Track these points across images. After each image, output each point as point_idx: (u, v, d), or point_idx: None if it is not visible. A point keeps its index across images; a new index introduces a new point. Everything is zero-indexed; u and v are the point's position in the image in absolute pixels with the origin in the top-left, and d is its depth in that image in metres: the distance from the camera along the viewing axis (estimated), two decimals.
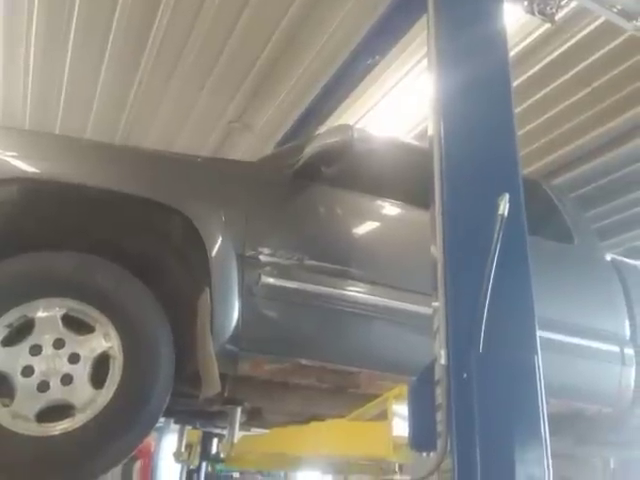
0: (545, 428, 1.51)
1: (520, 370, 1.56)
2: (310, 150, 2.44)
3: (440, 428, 1.60)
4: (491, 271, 1.65)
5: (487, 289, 1.63)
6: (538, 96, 4.49)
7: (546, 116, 4.67)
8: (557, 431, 2.80)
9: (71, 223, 2.17)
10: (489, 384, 1.53)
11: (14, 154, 2.07)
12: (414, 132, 4.80)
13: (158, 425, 4.52)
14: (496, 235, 1.70)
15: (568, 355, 2.74)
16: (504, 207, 1.73)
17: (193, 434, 4.05)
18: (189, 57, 4.54)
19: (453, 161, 1.88)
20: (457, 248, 1.76)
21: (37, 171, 2.06)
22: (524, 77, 4.31)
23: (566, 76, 4.32)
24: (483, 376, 1.54)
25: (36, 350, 1.86)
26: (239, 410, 2.59)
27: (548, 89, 4.44)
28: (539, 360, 1.59)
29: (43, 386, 1.83)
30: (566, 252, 3.23)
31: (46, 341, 1.87)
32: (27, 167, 2.05)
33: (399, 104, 4.65)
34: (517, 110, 4.49)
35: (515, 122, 2.01)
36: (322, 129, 3.88)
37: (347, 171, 2.58)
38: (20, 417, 1.79)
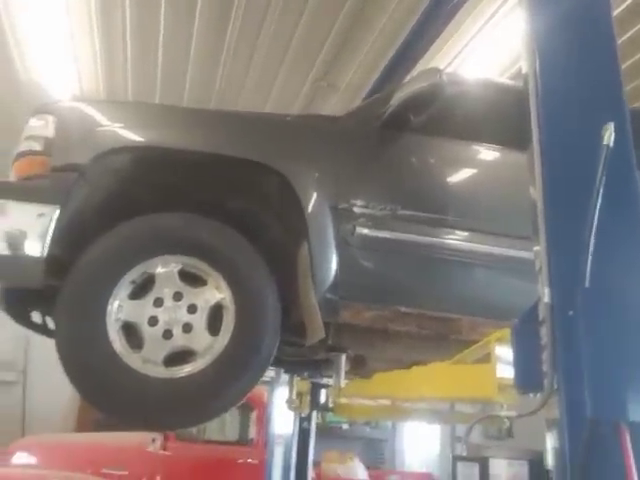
0: None
1: (630, 305, 1.49)
2: (397, 99, 2.41)
3: (546, 368, 1.59)
4: (597, 205, 1.57)
5: (592, 224, 1.56)
6: None
7: None
8: None
9: (178, 186, 2.32)
10: (596, 320, 1.48)
11: (121, 125, 2.24)
12: (508, 72, 4.56)
13: (269, 377, 4.84)
14: (601, 167, 1.61)
15: None
16: (609, 137, 1.64)
17: (303, 384, 4.26)
18: (272, 20, 4.59)
19: (551, 97, 1.79)
20: (558, 186, 1.69)
21: (143, 139, 2.22)
22: (630, 1, 3.93)
23: None
24: (590, 312, 1.49)
25: (159, 302, 2.06)
26: (343, 357, 2.70)
27: None
28: None
29: (167, 334, 2.03)
30: None
31: (166, 294, 2.06)
32: (134, 136, 2.22)
33: (489, 45, 4.42)
34: (623, 38, 4.15)
35: (617, 49, 1.86)
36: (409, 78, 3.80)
37: (437, 117, 2.53)
38: (150, 362, 2.00)
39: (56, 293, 2.05)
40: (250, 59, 5.12)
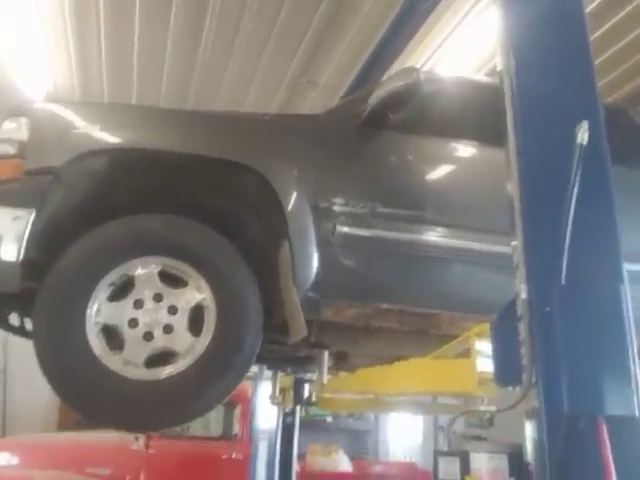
0: (634, 359, 1.48)
1: (605, 300, 1.53)
2: (376, 97, 2.42)
3: (524, 362, 1.62)
4: (571, 202, 1.61)
5: (568, 220, 1.59)
6: (618, 18, 4.15)
7: (628, 39, 4.32)
8: None
9: (156, 188, 2.30)
10: (572, 316, 1.52)
11: (97, 127, 2.21)
12: (484, 69, 4.60)
13: (253, 373, 4.85)
14: (575, 165, 1.64)
15: None
16: (583, 135, 1.67)
17: (286, 380, 4.28)
18: (249, 18, 4.56)
19: (525, 94, 1.82)
20: (534, 182, 1.72)
21: (119, 141, 2.20)
22: None
23: None
24: (566, 308, 1.52)
25: (139, 304, 2.05)
26: (326, 354, 2.72)
27: (629, 8, 4.08)
28: (626, 290, 1.55)
29: (148, 335, 2.02)
30: None
31: (147, 295, 2.05)
32: (110, 138, 2.20)
33: (465, 42, 4.45)
34: (596, 34, 4.21)
35: (590, 46, 1.89)
36: (387, 76, 3.82)
37: (415, 115, 2.55)
38: (131, 364, 1.99)
39: (34, 295, 2.03)
40: (228, 57, 5.08)
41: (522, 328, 1.63)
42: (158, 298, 2.06)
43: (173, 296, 2.07)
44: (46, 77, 5.59)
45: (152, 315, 2.03)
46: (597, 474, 1.37)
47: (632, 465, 1.40)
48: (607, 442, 1.38)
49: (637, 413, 1.43)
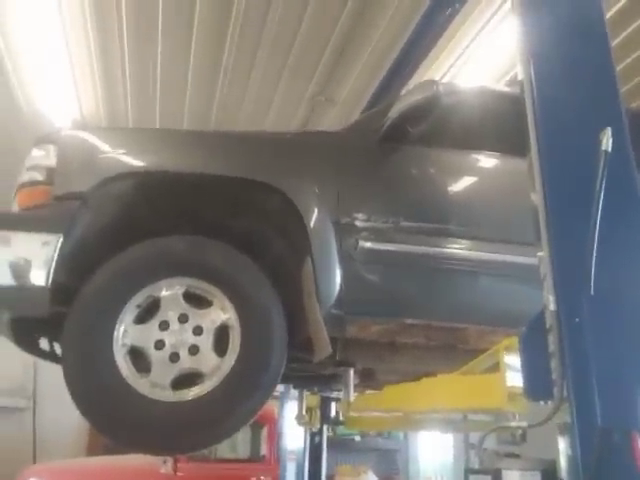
0: None
1: (635, 310, 1.48)
2: (395, 111, 2.43)
3: (555, 375, 1.58)
4: (598, 210, 1.57)
5: (595, 229, 1.56)
6: None
7: None
8: None
9: (181, 209, 2.33)
10: (603, 327, 1.48)
11: (122, 151, 2.26)
12: (505, 78, 4.58)
13: (279, 392, 4.83)
14: (600, 172, 1.61)
15: None
16: (607, 142, 1.64)
17: (312, 399, 4.25)
18: (268, 39, 4.65)
19: (547, 103, 1.80)
20: (559, 192, 1.69)
21: (144, 165, 2.24)
22: (624, 1, 3.95)
23: None
24: (596, 319, 1.48)
25: (164, 325, 2.06)
26: (352, 371, 2.69)
27: None
28: None
29: (174, 357, 2.03)
30: None
31: (172, 317, 2.07)
32: (135, 162, 2.24)
33: (485, 52, 4.44)
34: (620, 38, 4.16)
35: (611, 52, 1.87)
36: (406, 90, 3.82)
37: (436, 128, 2.54)
38: (158, 386, 1.99)
39: (63, 319, 2.06)
40: (248, 78, 5.16)
41: (551, 340, 1.59)
42: (183, 319, 2.07)
43: (198, 316, 2.08)
44: (73, 105, 5.75)
45: (178, 336, 2.04)
46: None
47: None
48: None
49: None
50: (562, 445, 1.53)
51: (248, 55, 4.85)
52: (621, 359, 1.45)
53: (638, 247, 1.60)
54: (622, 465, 1.38)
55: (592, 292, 1.51)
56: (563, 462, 1.52)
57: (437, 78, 4.50)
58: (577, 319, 1.51)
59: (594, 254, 1.54)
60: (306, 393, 4.21)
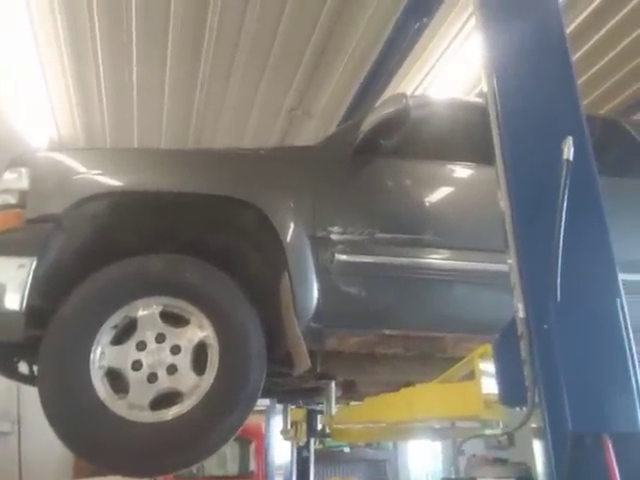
0: (635, 370, 1.47)
1: (602, 315, 1.52)
2: (367, 125, 2.46)
3: (527, 381, 1.61)
4: (561, 218, 1.61)
5: (559, 237, 1.60)
6: (607, 27, 4.20)
7: (619, 48, 4.37)
8: None
9: (157, 228, 2.33)
10: (571, 332, 1.51)
11: (100, 172, 2.27)
12: (476, 91, 4.66)
13: (265, 407, 4.81)
14: (563, 181, 1.66)
15: None
16: (568, 151, 1.69)
17: (298, 412, 4.23)
18: (242, 55, 4.69)
19: (510, 114, 1.85)
20: (524, 201, 1.73)
21: (118, 185, 2.25)
22: (589, 10, 4.06)
23: (634, 1, 4.01)
24: (563, 325, 1.52)
25: (142, 346, 2.05)
26: (333, 384, 2.70)
27: (617, 18, 4.14)
28: (622, 302, 1.54)
29: (152, 377, 2.01)
30: None
31: (149, 337, 2.06)
32: (109, 182, 2.24)
33: (455, 65, 4.52)
34: (585, 47, 4.27)
35: (572, 65, 1.93)
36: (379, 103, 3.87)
37: (408, 140, 2.59)
38: (136, 407, 1.98)
39: (39, 342, 2.04)
40: (225, 92, 5.19)
41: (523, 347, 1.62)
42: (161, 339, 2.06)
43: (175, 336, 2.08)
44: (49, 126, 5.73)
45: (155, 356, 2.04)
46: None
47: None
48: (613, 459, 1.36)
49: None
50: (538, 449, 1.56)
51: (224, 70, 4.88)
52: (589, 364, 1.48)
53: (602, 252, 1.64)
54: (593, 469, 1.41)
55: (559, 299, 1.54)
56: (539, 466, 1.55)
57: (410, 91, 4.57)
58: (545, 326, 1.54)
59: (559, 261, 1.57)
60: (291, 407, 4.20)
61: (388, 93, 4.49)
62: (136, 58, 4.78)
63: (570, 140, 1.70)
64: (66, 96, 5.31)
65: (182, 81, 5.06)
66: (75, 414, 1.93)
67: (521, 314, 1.62)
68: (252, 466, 5.69)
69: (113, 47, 4.67)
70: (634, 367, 1.48)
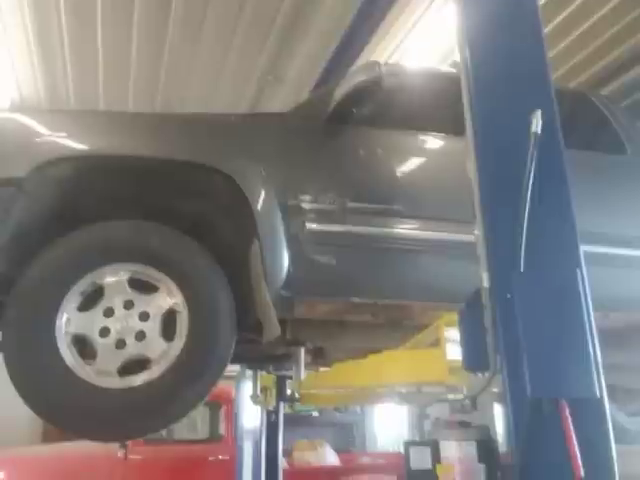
0: (593, 339, 1.53)
1: (562, 285, 1.56)
2: (339, 93, 2.44)
3: (490, 349, 1.66)
4: (527, 190, 1.65)
5: (524, 208, 1.63)
6: (578, 2, 4.21)
7: (588, 23, 4.38)
8: (629, 344, 2.81)
9: (124, 193, 2.29)
10: (532, 302, 1.56)
11: (63, 134, 2.20)
12: (450, 60, 4.64)
13: (235, 373, 4.85)
14: (530, 153, 1.68)
15: (626, 267, 2.70)
16: (537, 124, 1.71)
17: (267, 378, 4.29)
18: (212, 18, 4.54)
19: (481, 85, 1.86)
20: (491, 172, 1.76)
21: (84, 148, 2.19)
22: None
23: None
24: (525, 294, 1.56)
25: (109, 312, 2.04)
26: (302, 350, 2.74)
27: None
28: (583, 273, 1.59)
29: (120, 344, 2.01)
30: (619, 163, 3.12)
31: (117, 303, 2.05)
32: (74, 145, 2.18)
33: (430, 33, 4.47)
34: (556, 21, 4.28)
35: (543, 37, 1.93)
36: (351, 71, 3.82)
37: (380, 109, 2.58)
38: (104, 373, 1.98)
39: (2, 308, 2.01)
40: (194, 56, 5.04)
41: (486, 316, 1.67)
42: (129, 305, 2.05)
43: (144, 302, 2.07)
44: (10, 85, 5.49)
45: (123, 323, 2.03)
46: (561, 455, 1.41)
47: (594, 445, 1.45)
48: (570, 424, 1.42)
49: (598, 395, 1.47)
50: (499, 413, 1.62)
51: (193, 33, 4.73)
52: (549, 332, 1.54)
53: (565, 225, 1.68)
54: (551, 433, 1.48)
55: (522, 269, 1.59)
56: (500, 429, 1.62)
57: (383, 59, 4.52)
58: (508, 295, 1.59)
59: (524, 232, 1.61)
60: (261, 373, 4.25)
61: (361, 60, 4.43)
62: (101, 18, 4.58)
63: (539, 113, 1.72)
64: (27, 55, 5.08)
65: (149, 43, 4.88)
66: (42, 380, 1.92)
67: (485, 283, 1.67)
68: (222, 430, 5.77)
69: (77, 6, 4.47)
70: (591, 335, 1.53)
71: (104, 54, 5.02)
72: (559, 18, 4.22)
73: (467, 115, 1.86)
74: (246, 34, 4.69)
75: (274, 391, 4.26)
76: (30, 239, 2.11)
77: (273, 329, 2.17)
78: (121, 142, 2.28)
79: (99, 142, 2.24)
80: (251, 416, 4.92)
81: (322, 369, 3.51)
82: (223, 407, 5.74)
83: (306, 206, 2.33)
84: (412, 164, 2.77)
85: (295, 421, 6.92)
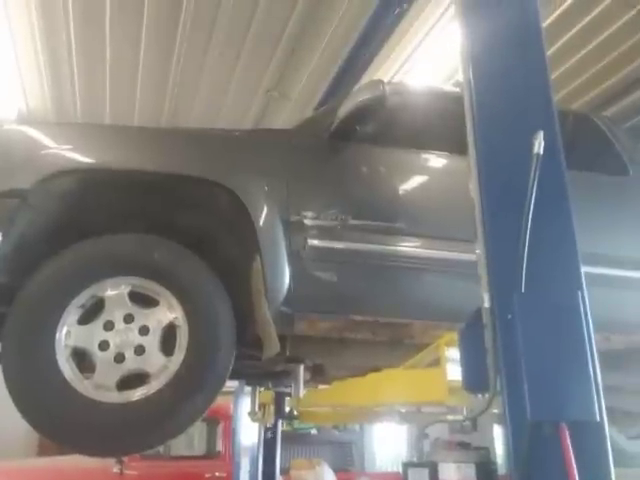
0: (594, 363, 1.51)
1: (563, 306, 1.56)
2: (343, 111, 2.46)
3: (490, 370, 1.65)
4: (529, 211, 1.65)
5: (526, 229, 1.63)
6: (580, 25, 4.26)
7: (591, 46, 4.43)
8: (628, 366, 2.79)
9: (127, 207, 2.30)
10: (533, 323, 1.55)
11: (69, 147, 2.21)
12: (453, 79, 4.68)
13: (233, 389, 4.82)
14: (532, 174, 1.69)
15: (627, 290, 2.69)
16: (539, 145, 1.71)
17: (266, 394, 4.26)
18: (220, 33, 4.60)
19: (483, 105, 1.87)
20: (493, 192, 1.76)
21: (88, 161, 2.20)
22: (565, 6, 4.10)
23: (607, 0, 4.06)
24: (526, 315, 1.55)
25: (109, 326, 2.03)
26: (302, 367, 2.72)
27: (590, 16, 4.20)
28: (584, 295, 1.58)
29: (119, 357, 2.00)
30: (621, 185, 3.12)
31: (117, 317, 2.04)
32: (79, 158, 2.19)
33: (434, 53, 4.52)
34: (559, 42, 4.32)
35: (546, 58, 1.95)
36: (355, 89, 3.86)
37: (383, 127, 2.59)
38: (102, 387, 1.97)
39: (3, 319, 2.01)
40: (200, 71, 5.10)
41: (487, 336, 1.66)
42: (129, 319, 2.05)
43: (144, 316, 2.06)
44: (18, 96, 5.55)
45: (123, 336, 2.02)
46: (560, 478, 1.39)
47: (594, 469, 1.43)
48: (570, 447, 1.40)
49: (598, 418, 1.46)
50: (499, 435, 1.61)
51: (200, 48, 4.79)
52: (549, 354, 1.52)
53: (567, 246, 1.68)
54: (551, 456, 1.46)
55: (523, 289, 1.58)
56: (500, 450, 1.60)
57: (387, 77, 4.56)
58: (509, 316, 1.58)
59: (525, 253, 1.61)
60: (260, 389, 4.22)
61: (366, 78, 4.47)
62: (109, 33, 4.65)
63: (541, 135, 1.73)
64: (36, 68, 5.15)
65: (157, 58, 4.95)
66: (39, 394, 1.91)
67: (486, 304, 1.66)
68: (219, 447, 5.71)
69: (86, 19, 4.53)
70: (592, 358, 1.52)
71: (111, 67, 5.07)
72: (562, 40, 4.26)
73: (469, 135, 1.87)
74: (253, 51, 4.75)
75: (272, 408, 4.23)
76: (33, 251, 2.11)
77: (273, 345, 2.16)
78: (126, 156, 2.30)
79: (104, 156, 2.25)
80: (249, 433, 4.88)
81: (321, 387, 3.49)
82: (221, 423, 5.69)
83: (308, 222, 2.34)
84: (414, 182, 2.77)
85: (293, 439, 6.86)
